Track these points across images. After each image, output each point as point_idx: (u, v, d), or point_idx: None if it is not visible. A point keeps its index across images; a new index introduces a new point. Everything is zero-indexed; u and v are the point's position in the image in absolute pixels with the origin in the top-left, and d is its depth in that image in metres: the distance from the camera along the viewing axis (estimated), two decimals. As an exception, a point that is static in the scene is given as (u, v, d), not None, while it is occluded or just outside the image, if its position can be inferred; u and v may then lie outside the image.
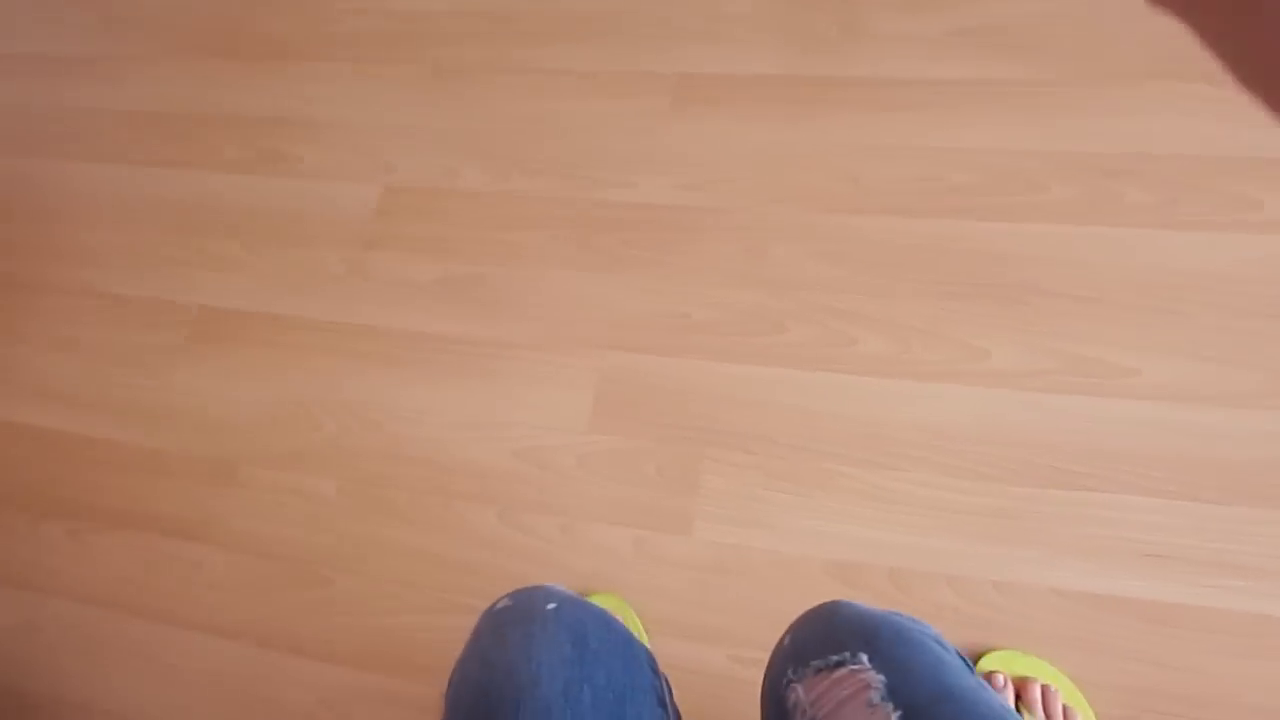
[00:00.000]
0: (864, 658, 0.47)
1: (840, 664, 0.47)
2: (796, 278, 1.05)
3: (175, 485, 1.14)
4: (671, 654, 0.94)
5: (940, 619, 0.90)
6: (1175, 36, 1.09)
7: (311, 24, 1.40)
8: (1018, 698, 0.81)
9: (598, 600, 0.95)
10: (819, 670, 0.48)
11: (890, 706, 0.44)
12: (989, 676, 0.83)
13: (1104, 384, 0.95)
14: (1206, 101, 1.05)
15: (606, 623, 0.55)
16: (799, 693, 0.48)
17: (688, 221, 1.11)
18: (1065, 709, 0.81)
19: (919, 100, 1.12)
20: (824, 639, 0.50)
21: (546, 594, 0.56)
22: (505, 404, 1.08)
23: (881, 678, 0.45)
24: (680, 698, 0.63)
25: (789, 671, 0.50)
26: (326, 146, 1.29)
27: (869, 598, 0.92)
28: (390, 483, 1.07)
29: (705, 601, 0.95)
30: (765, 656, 0.57)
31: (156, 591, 1.10)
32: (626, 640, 0.55)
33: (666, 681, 0.57)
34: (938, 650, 0.49)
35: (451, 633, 1.00)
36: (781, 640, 0.54)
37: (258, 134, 1.32)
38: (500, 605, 0.56)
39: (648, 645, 0.84)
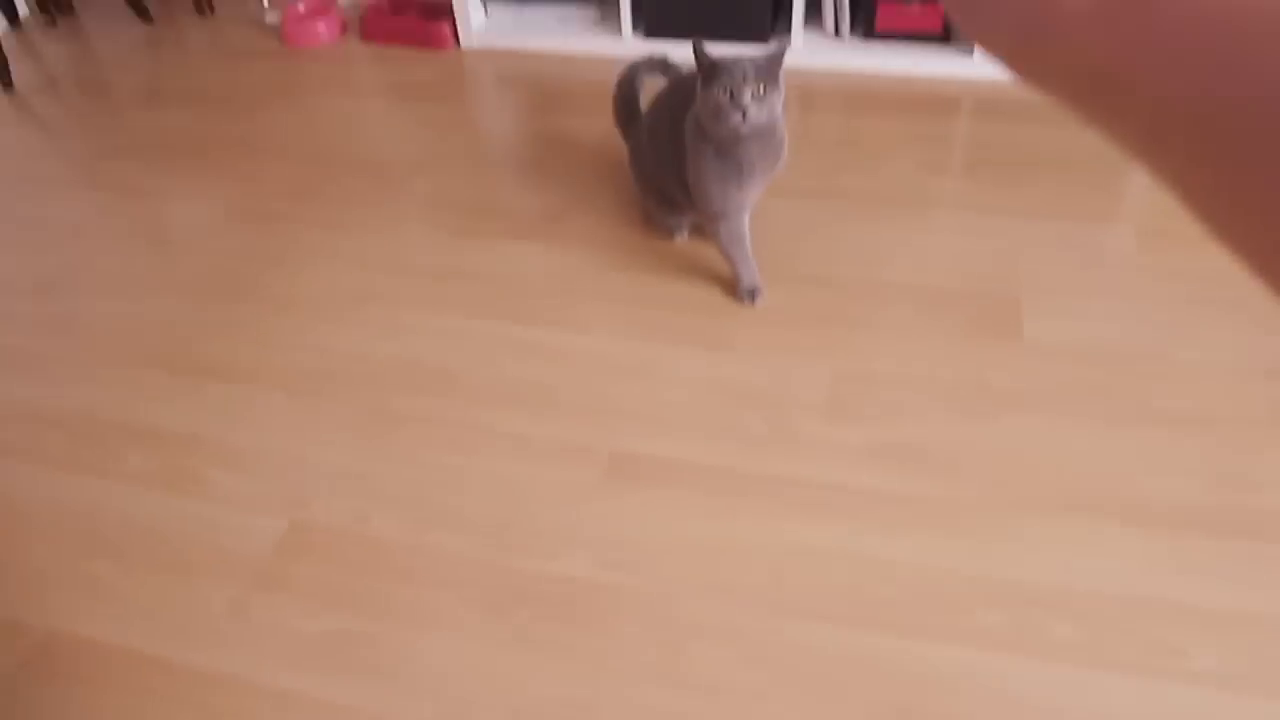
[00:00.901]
0: None
1: None
2: (713, 681, 1.00)
3: None
4: None
5: None
6: (1092, 470, 1.18)
7: (256, 350, 1.45)
8: None
9: None
10: None
11: None
12: None
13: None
14: (1124, 540, 1.10)
15: None
16: None
17: (605, 603, 1.08)
18: None
19: (844, 506, 1.16)
20: None
21: None
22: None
23: None
24: None
25: None
26: (240, 472, 1.27)
27: None
28: None
29: None
30: None
31: None
32: None
33: None
34: None
35: None
36: None
37: (173, 450, 1.30)
38: None
39: None
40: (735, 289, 1.49)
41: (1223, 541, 1.10)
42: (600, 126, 1.93)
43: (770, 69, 1.28)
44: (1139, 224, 1.59)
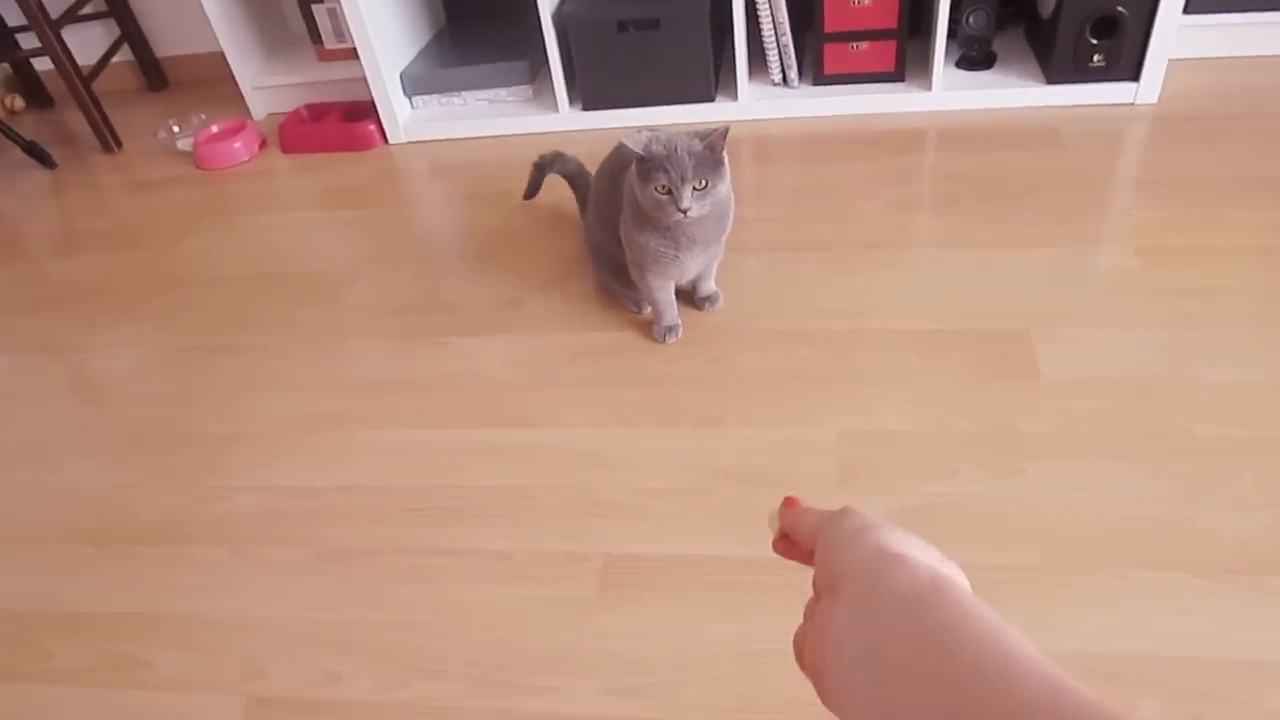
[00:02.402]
0: None
1: None
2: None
3: None
4: None
5: None
6: (1145, 515, 1.09)
7: (192, 505, 1.34)
8: None
9: None
10: None
11: None
12: None
13: None
14: (1196, 592, 1.01)
15: None
16: None
17: (621, 741, 0.97)
18: None
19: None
20: None
21: None
22: None
23: None
24: None
25: None
26: (186, 648, 1.14)
27: None
28: None
29: None
30: None
31: None
32: None
33: None
34: None
35: None
36: None
37: (106, 635, 1.18)
38: None
39: None
40: (652, 329, 1.49)
41: (1308, 571, 1.01)
42: (547, 205, 1.88)
43: (712, 158, 1.24)
44: (1137, 243, 1.55)
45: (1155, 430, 1.20)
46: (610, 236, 1.45)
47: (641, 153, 1.24)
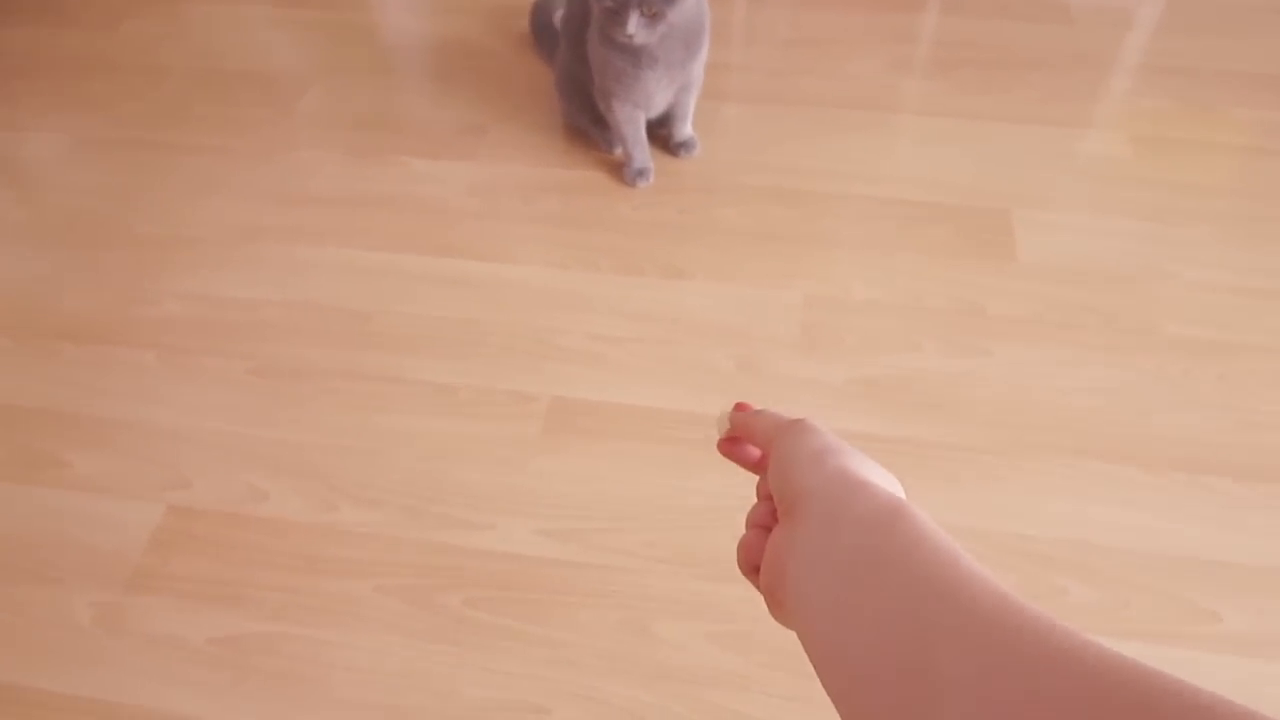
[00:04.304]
0: None
1: None
2: (683, 668, 0.89)
3: None
4: None
5: None
6: (1101, 407, 1.08)
7: (121, 305, 1.26)
8: None
9: None
10: None
11: None
12: None
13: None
14: (1141, 486, 1.01)
15: None
16: None
17: (554, 580, 0.95)
18: None
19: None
20: None
21: None
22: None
23: None
24: None
25: None
26: (106, 452, 1.09)
27: None
28: None
29: None
30: None
31: None
32: None
33: None
34: None
35: None
36: None
37: (24, 431, 1.12)
38: None
39: None
40: (623, 171, 1.42)
41: (1250, 486, 1.01)
42: (521, 25, 1.75)
43: None
44: (1133, 131, 1.49)
45: (1124, 324, 1.18)
46: (581, 62, 1.34)
47: None
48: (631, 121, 1.34)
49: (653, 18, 1.14)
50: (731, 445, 0.42)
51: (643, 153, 1.38)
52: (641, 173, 1.38)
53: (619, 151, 1.44)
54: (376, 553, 0.99)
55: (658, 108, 1.35)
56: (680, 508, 1.01)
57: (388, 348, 1.19)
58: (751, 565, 0.36)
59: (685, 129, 1.43)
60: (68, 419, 1.13)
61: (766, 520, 0.36)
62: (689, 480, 1.03)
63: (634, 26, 1.14)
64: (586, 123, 1.43)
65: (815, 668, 0.29)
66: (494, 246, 1.32)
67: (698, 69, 1.31)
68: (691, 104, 1.40)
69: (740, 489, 1.02)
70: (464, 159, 1.47)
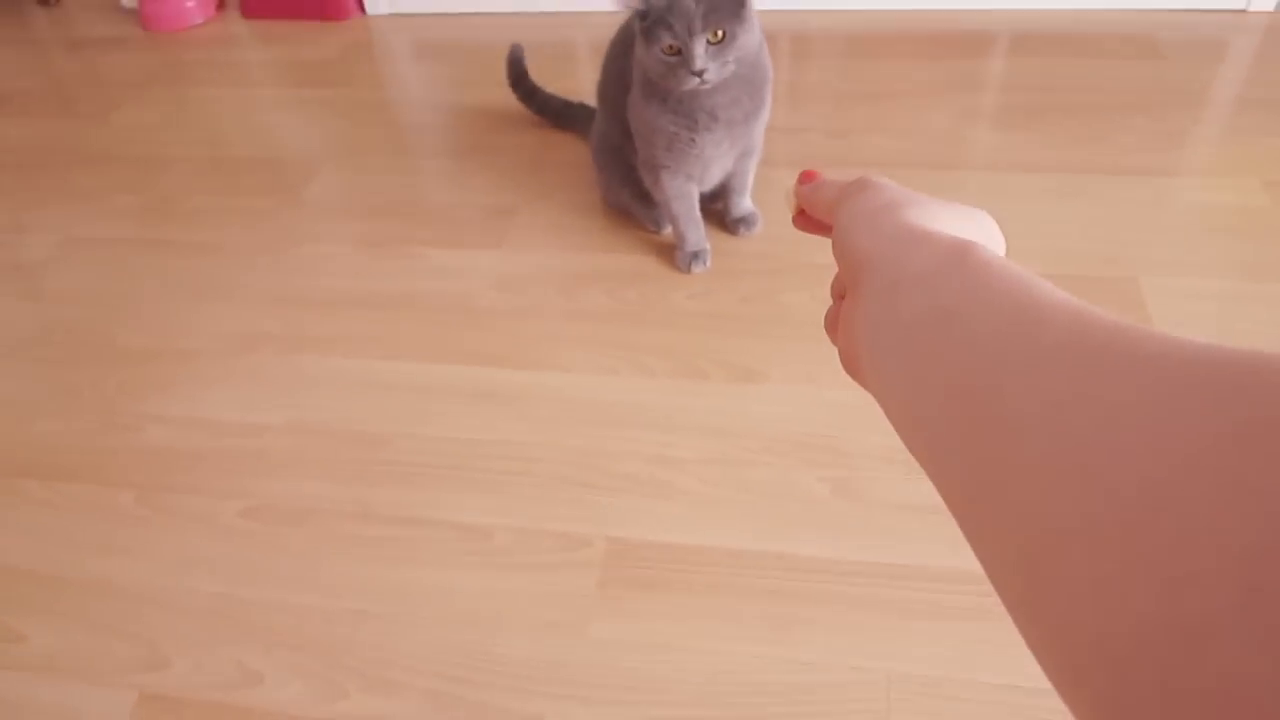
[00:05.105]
0: None
1: None
2: None
3: None
4: None
5: None
6: None
7: (98, 430, 1.08)
8: None
9: None
10: None
11: None
12: None
13: None
14: None
15: None
16: None
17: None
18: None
19: (971, 608, 0.82)
20: None
21: None
22: None
23: None
24: None
25: None
26: (68, 621, 0.90)
27: None
28: None
29: None
30: None
31: None
32: None
33: None
34: None
35: None
36: None
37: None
38: None
39: None
40: (674, 255, 1.23)
41: None
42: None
43: (728, 2, 0.96)
44: (1266, 175, 1.28)
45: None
46: (622, 130, 1.17)
47: (640, 6, 0.97)
48: (683, 197, 1.15)
49: (720, 45, 0.96)
50: (805, 220, 0.38)
51: (697, 232, 1.19)
52: (697, 255, 1.19)
53: (668, 231, 1.25)
54: (397, 757, 0.78)
55: (713, 179, 1.17)
56: (782, 684, 0.79)
57: (407, 481, 0.99)
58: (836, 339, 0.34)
59: (745, 202, 1.24)
60: (24, 578, 0.94)
61: (844, 289, 0.33)
62: (793, 647, 0.81)
63: (702, 60, 0.95)
64: (630, 199, 1.25)
65: (899, 435, 0.26)
66: (529, 351, 1.12)
67: (759, 128, 1.13)
68: (752, 172, 1.21)
69: (858, 652, 0.80)
70: (491, 248, 1.29)
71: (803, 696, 0.78)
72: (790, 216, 0.39)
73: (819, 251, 1.22)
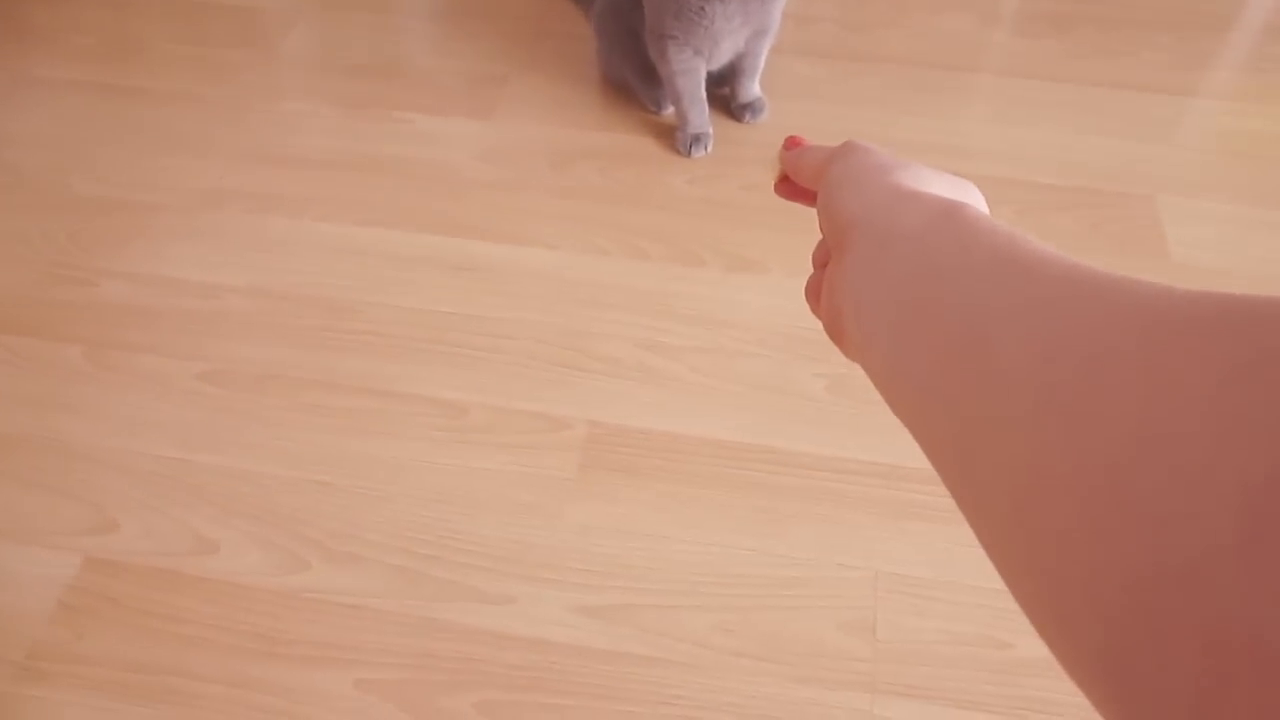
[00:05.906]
0: None
1: None
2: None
3: None
4: None
5: None
6: None
7: (45, 282, 1.01)
8: None
9: None
10: None
11: None
12: None
13: None
14: None
15: None
16: None
17: (597, 679, 0.71)
18: None
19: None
20: None
21: None
22: None
23: None
24: None
25: None
26: (14, 479, 0.84)
27: None
28: None
29: None
30: None
31: None
32: None
33: None
34: None
35: None
36: None
37: (-98, 442, 0.87)
38: None
39: None
40: (675, 136, 1.16)
41: None
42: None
43: None
44: (1295, 99, 1.23)
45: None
46: (632, 6, 1.09)
47: None
48: (689, 72, 1.08)
49: None
50: (788, 186, 0.37)
51: (701, 114, 1.12)
52: (699, 139, 1.12)
53: (670, 112, 1.17)
54: (358, 632, 0.74)
55: (723, 57, 1.09)
56: (766, 579, 0.76)
57: (378, 352, 0.93)
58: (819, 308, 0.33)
59: (753, 88, 1.16)
60: (-31, 432, 0.88)
61: (828, 257, 0.32)
62: (778, 540, 0.78)
63: None
64: (631, 75, 1.17)
65: (884, 398, 0.26)
66: (514, 225, 1.06)
67: (777, 6, 1.05)
68: (764, 55, 1.13)
69: (846, 550, 0.77)
70: (479, 117, 1.21)
71: (786, 591, 0.75)
72: (774, 182, 0.38)
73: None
